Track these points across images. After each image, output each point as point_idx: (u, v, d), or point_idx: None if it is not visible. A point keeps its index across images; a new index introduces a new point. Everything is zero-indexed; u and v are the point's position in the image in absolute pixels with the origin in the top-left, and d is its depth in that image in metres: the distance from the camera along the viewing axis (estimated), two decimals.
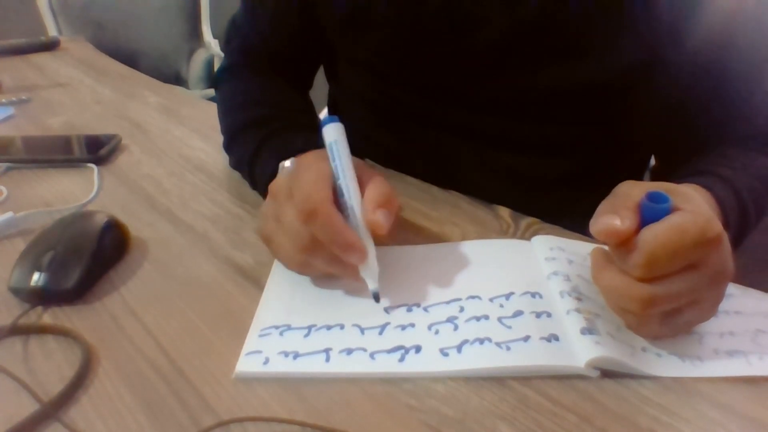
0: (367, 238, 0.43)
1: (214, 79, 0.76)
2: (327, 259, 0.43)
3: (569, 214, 0.57)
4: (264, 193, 0.50)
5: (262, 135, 0.59)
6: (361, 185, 0.45)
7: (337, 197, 0.44)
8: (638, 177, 0.71)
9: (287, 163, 0.50)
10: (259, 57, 0.72)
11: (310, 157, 0.47)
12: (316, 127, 0.50)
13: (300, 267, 0.45)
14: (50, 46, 1.28)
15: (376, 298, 0.43)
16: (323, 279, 0.46)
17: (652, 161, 0.75)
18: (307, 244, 0.42)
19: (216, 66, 2.26)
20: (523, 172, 0.66)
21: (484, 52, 0.58)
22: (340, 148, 0.45)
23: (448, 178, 0.64)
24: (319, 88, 0.79)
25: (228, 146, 0.66)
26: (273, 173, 0.51)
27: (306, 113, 0.68)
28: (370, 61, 0.66)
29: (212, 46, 2.24)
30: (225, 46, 0.76)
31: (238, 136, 0.63)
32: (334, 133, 0.46)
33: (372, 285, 0.43)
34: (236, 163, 0.65)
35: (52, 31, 2.00)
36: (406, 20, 0.60)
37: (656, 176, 0.73)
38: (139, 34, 2.15)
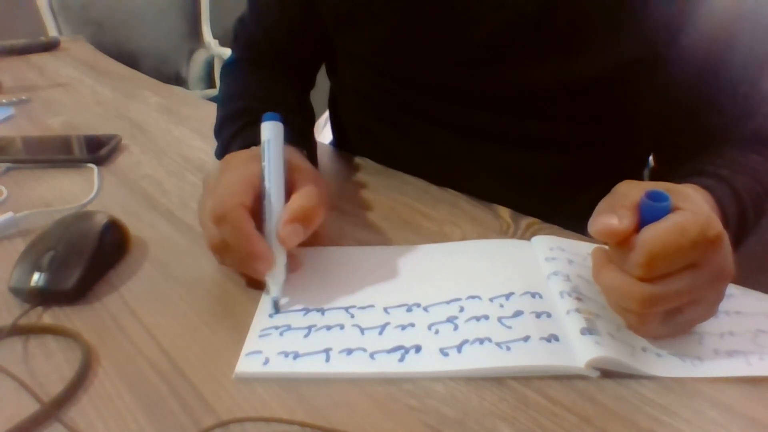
0: (277, 246, 0.43)
1: (221, 70, 0.77)
2: (237, 261, 0.44)
3: (566, 211, 0.57)
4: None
5: (234, 128, 0.60)
6: (293, 190, 0.45)
7: (261, 200, 0.44)
8: (636, 176, 0.71)
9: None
10: (262, 52, 0.74)
11: (244, 155, 0.47)
12: (299, 123, 0.49)
13: (218, 262, 0.46)
14: (50, 46, 1.28)
15: (276, 306, 0.43)
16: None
17: (651, 162, 0.75)
18: (218, 243, 0.44)
19: (216, 66, 2.27)
20: (521, 169, 0.66)
21: (481, 47, 0.58)
22: (273, 148, 0.45)
23: (445, 174, 0.64)
24: (320, 86, 0.80)
25: (216, 136, 0.67)
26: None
27: (288, 109, 0.67)
28: (368, 57, 0.67)
29: (212, 46, 2.24)
30: (233, 43, 0.77)
31: (222, 128, 0.64)
32: (269, 132, 0.45)
33: (274, 292, 0.43)
34: (217, 154, 0.65)
35: (52, 31, 2.00)
36: (403, 16, 0.60)
37: (655, 177, 0.73)
38: (139, 34, 2.15)
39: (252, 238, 0.42)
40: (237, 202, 0.42)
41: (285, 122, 0.47)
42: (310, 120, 0.69)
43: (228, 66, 0.75)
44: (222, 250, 0.44)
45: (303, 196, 0.45)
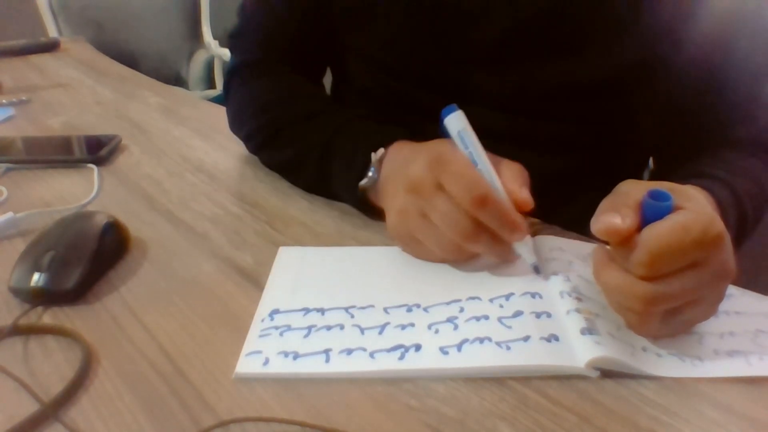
0: (521, 220, 0.45)
1: (227, 74, 0.73)
2: (489, 243, 0.44)
3: (567, 212, 0.57)
4: (351, 189, 0.53)
5: (330, 129, 0.58)
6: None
7: None
8: (637, 177, 0.71)
9: (376, 156, 0.52)
10: (275, 48, 0.71)
11: (440, 147, 0.47)
12: (378, 119, 0.53)
13: (454, 255, 0.46)
14: (50, 46, 1.28)
15: (537, 269, 0.45)
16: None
17: (651, 164, 0.75)
18: (471, 231, 0.43)
19: (216, 67, 2.26)
20: None
21: (486, 47, 0.58)
22: (471, 134, 0.46)
23: None
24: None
25: (269, 143, 0.65)
26: (364, 167, 0.52)
27: (344, 107, 0.67)
28: (374, 54, 0.67)
29: (212, 47, 2.23)
30: (234, 38, 0.73)
31: (289, 131, 0.62)
32: (460, 122, 0.46)
33: (531, 259, 0.45)
34: (289, 160, 0.63)
35: (52, 32, 2.00)
36: (410, 14, 0.60)
37: (654, 179, 0.73)
38: (139, 34, 2.15)
39: (511, 209, 0.44)
40: (484, 184, 0.43)
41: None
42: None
43: (242, 68, 0.71)
44: (476, 236, 0.44)
45: (513, 166, 0.47)
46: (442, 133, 0.47)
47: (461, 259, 0.47)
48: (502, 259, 0.46)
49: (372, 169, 0.52)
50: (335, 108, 0.64)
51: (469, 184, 0.42)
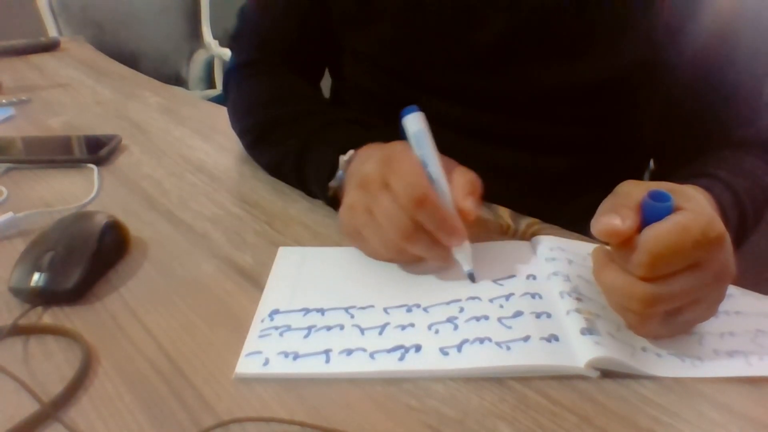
0: (460, 225, 0.45)
1: (226, 74, 0.74)
2: (425, 245, 0.44)
3: (568, 212, 0.57)
4: (323, 189, 0.53)
5: (308, 129, 0.59)
6: (445, 173, 0.46)
7: None
8: (638, 178, 0.71)
9: (345, 157, 0.52)
10: (272, 50, 0.72)
11: (395, 147, 0.47)
12: (357, 119, 0.52)
13: (395, 255, 0.46)
14: (50, 46, 1.28)
15: (472, 278, 0.45)
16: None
17: (652, 164, 0.75)
18: (410, 230, 0.43)
19: (216, 67, 2.26)
20: (523, 170, 0.66)
21: (485, 49, 0.58)
22: (426, 136, 0.46)
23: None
24: (321, 84, 0.79)
25: (259, 142, 0.66)
26: (332, 168, 0.53)
27: (335, 108, 0.68)
28: (373, 55, 0.67)
29: (212, 46, 2.23)
30: (233, 41, 0.75)
31: (275, 132, 0.63)
32: (418, 123, 0.46)
33: (467, 266, 0.45)
34: (274, 159, 0.64)
35: (52, 32, 2.00)
36: (409, 15, 0.60)
37: (655, 179, 0.73)
38: (139, 34, 2.15)
39: (450, 213, 0.44)
40: (427, 185, 0.43)
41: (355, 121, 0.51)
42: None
43: (240, 69, 0.73)
44: (414, 236, 0.44)
45: (465, 174, 0.47)
46: (401, 134, 0.47)
47: (403, 261, 0.47)
48: (440, 262, 0.46)
49: (340, 170, 0.53)
50: (322, 109, 0.64)
51: (412, 183, 0.42)
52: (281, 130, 0.62)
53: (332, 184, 0.54)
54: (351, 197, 0.47)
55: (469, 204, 0.45)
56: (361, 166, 0.48)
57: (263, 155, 0.66)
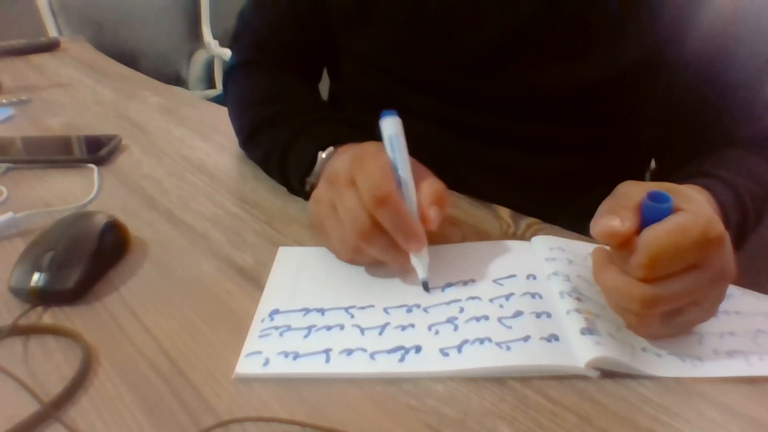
0: (422, 230, 0.45)
1: (224, 74, 0.76)
2: (383, 247, 0.44)
3: (568, 213, 0.57)
4: (300, 183, 0.53)
5: (294, 127, 0.59)
6: (415, 181, 0.46)
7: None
8: (638, 178, 0.71)
9: (324, 154, 0.52)
10: (270, 52, 0.73)
11: (369, 147, 0.47)
12: (345, 121, 0.52)
13: (353, 253, 0.46)
14: (50, 46, 1.28)
15: (426, 286, 0.44)
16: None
17: (653, 164, 0.75)
18: (367, 230, 0.43)
19: (216, 67, 2.26)
20: (523, 170, 0.66)
21: (484, 50, 0.58)
22: (400, 141, 0.46)
23: (447, 176, 0.64)
24: (320, 85, 0.79)
25: (250, 140, 0.66)
26: (310, 164, 0.53)
27: (328, 108, 0.69)
28: (372, 56, 0.67)
29: (212, 46, 2.23)
30: (233, 42, 0.76)
31: (264, 130, 0.63)
32: (393, 127, 0.46)
33: (422, 274, 0.45)
34: (262, 156, 0.64)
35: (52, 32, 2.00)
36: (408, 16, 0.60)
37: (656, 179, 0.73)
38: (139, 34, 2.15)
39: (412, 218, 0.44)
40: (391, 186, 0.43)
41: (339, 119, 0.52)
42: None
43: (236, 68, 0.74)
44: (371, 236, 0.43)
45: (433, 183, 0.46)
46: (378, 136, 0.47)
47: (362, 262, 0.47)
48: (396, 266, 0.45)
49: (318, 165, 0.54)
50: (312, 107, 0.65)
51: (376, 182, 0.42)
52: (272, 126, 0.63)
53: (309, 179, 0.55)
54: (318, 191, 0.47)
55: (433, 213, 0.44)
56: (334, 162, 0.49)
57: (255, 152, 0.66)
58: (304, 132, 0.58)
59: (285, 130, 0.60)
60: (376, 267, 0.47)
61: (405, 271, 0.46)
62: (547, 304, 0.42)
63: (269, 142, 0.62)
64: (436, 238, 0.53)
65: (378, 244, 0.44)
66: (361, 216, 0.43)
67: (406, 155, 0.46)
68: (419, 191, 0.46)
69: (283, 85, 0.70)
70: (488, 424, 0.34)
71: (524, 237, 0.53)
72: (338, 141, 0.53)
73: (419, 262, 0.45)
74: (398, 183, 0.45)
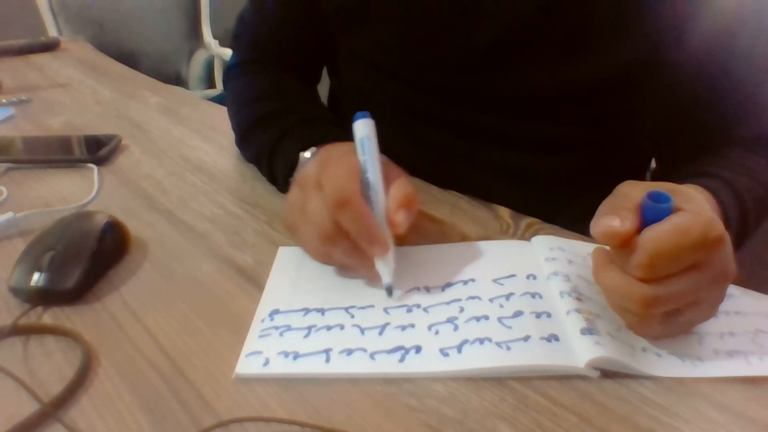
0: (387, 234, 0.44)
1: (224, 73, 0.76)
2: (346, 250, 0.44)
3: (568, 213, 0.57)
4: (285, 183, 0.53)
5: (282, 127, 0.59)
6: (386, 183, 0.46)
7: (362, 191, 0.44)
8: (638, 178, 0.71)
9: (307, 153, 0.52)
10: (267, 52, 0.73)
11: (339, 149, 0.47)
12: (334, 121, 0.51)
13: (321, 256, 0.46)
14: (50, 46, 1.28)
15: (389, 291, 0.44)
16: (331, 269, 0.48)
17: (653, 164, 0.75)
18: (330, 233, 0.43)
19: (216, 66, 2.26)
20: (523, 170, 0.66)
21: (484, 49, 0.58)
22: (371, 143, 0.46)
23: (446, 176, 0.64)
24: (320, 86, 0.80)
25: (243, 140, 0.67)
26: (294, 164, 0.54)
27: (321, 107, 0.69)
28: (370, 56, 0.67)
29: (212, 46, 2.23)
30: (233, 42, 0.76)
31: (256, 129, 0.64)
32: (365, 129, 0.46)
33: (386, 279, 0.44)
34: (254, 156, 0.65)
35: (52, 32, 2.00)
36: (407, 16, 0.60)
37: (657, 178, 0.73)
38: (139, 34, 2.15)
39: (374, 221, 0.43)
40: (355, 188, 0.43)
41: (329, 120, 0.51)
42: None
43: (234, 68, 0.74)
44: (333, 240, 0.43)
45: (402, 186, 0.46)
46: (352, 137, 0.47)
47: (330, 262, 0.47)
48: (360, 270, 0.45)
49: (300, 166, 0.54)
50: (304, 106, 0.65)
51: (340, 186, 0.42)
52: (263, 125, 0.63)
53: (292, 179, 0.55)
54: (291, 194, 0.48)
55: (400, 216, 0.44)
56: (307, 164, 0.49)
57: (248, 150, 0.67)
58: (290, 132, 0.58)
59: (274, 129, 0.60)
60: (347, 269, 0.47)
61: (370, 277, 0.45)
62: (547, 304, 0.42)
63: (261, 140, 0.62)
64: (435, 238, 0.53)
65: (340, 248, 0.44)
66: (324, 219, 0.43)
67: (377, 157, 0.46)
68: (388, 195, 0.45)
69: (279, 84, 0.70)
70: (488, 424, 0.34)
71: (524, 237, 0.53)
72: (323, 141, 0.53)
73: (384, 267, 0.44)
74: (367, 185, 0.45)
